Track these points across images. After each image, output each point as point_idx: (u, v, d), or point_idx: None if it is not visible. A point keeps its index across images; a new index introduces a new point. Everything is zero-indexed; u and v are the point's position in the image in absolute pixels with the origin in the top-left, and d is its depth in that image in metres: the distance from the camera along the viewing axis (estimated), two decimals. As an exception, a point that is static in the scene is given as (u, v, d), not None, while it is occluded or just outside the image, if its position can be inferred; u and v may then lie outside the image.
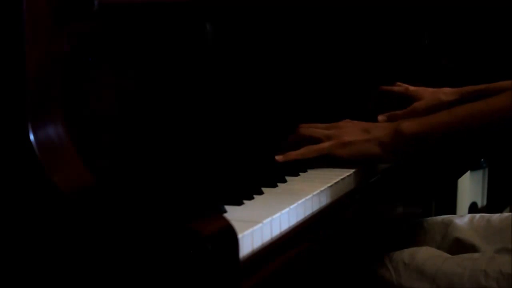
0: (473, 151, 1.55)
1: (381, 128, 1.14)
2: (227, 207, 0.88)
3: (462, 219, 1.37)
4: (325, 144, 1.13)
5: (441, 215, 1.44)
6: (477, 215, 1.38)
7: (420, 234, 1.38)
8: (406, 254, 1.22)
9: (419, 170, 1.30)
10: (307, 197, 0.95)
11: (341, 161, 1.12)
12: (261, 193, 0.96)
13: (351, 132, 1.14)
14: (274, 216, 0.86)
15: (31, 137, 0.80)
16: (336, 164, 1.13)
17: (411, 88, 1.45)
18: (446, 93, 1.41)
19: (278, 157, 1.13)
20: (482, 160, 2.64)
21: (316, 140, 1.15)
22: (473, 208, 2.70)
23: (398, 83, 1.51)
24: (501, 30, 2.01)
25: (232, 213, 0.87)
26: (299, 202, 0.93)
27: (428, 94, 1.42)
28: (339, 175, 1.06)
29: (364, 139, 1.12)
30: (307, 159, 1.14)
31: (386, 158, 1.12)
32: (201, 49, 1.18)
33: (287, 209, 0.89)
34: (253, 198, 0.94)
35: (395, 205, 1.26)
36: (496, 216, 1.37)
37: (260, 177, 1.03)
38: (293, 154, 1.14)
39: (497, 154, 2.54)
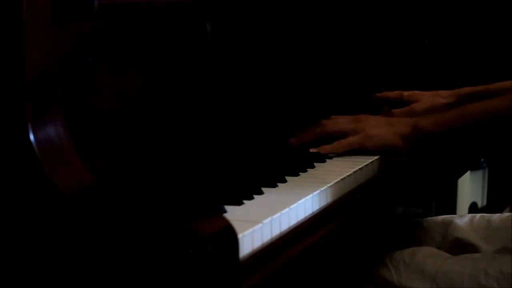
0: (474, 151, 1.55)
1: (402, 122, 1.22)
2: (227, 207, 0.88)
3: (462, 219, 1.37)
4: (355, 138, 1.21)
5: (441, 215, 1.44)
6: (478, 215, 1.38)
7: (420, 234, 1.38)
8: (406, 254, 1.22)
9: (419, 170, 1.30)
10: (307, 197, 0.95)
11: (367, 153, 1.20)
12: (261, 193, 0.96)
13: (376, 125, 1.22)
14: (274, 216, 0.86)
15: (31, 137, 0.80)
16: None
17: (406, 92, 1.46)
18: (443, 95, 1.42)
19: (312, 149, 1.20)
20: (482, 160, 2.64)
21: (343, 135, 1.22)
22: (473, 208, 2.70)
23: (386, 92, 1.51)
24: (501, 30, 2.01)
25: (232, 213, 0.87)
26: (299, 202, 0.93)
27: (424, 97, 1.43)
28: (340, 174, 1.06)
29: (389, 132, 1.20)
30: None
31: (406, 150, 1.21)
32: (201, 49, 1.18)
33: (287, 209, 0.89)
34: (253, 198, 0.94)
35: (395, 205, 1.26)
36: (496, 216, 1.37)
37: (260, 177, 1.03)
38: (327, 148, 1.20)
39: (497, 154, 2.53)
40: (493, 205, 2.76)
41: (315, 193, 0.97)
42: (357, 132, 1.21)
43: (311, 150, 1.19)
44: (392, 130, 1.20)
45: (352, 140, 1.20)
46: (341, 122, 1.24)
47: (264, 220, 0.84)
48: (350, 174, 1.08)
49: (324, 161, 1.17)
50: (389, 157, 1.22)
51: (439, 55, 1.90)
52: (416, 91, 1.46)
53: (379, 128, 1.21)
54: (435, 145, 1.22)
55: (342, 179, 1.05)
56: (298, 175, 1.08)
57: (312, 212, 0.96)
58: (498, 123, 1.18)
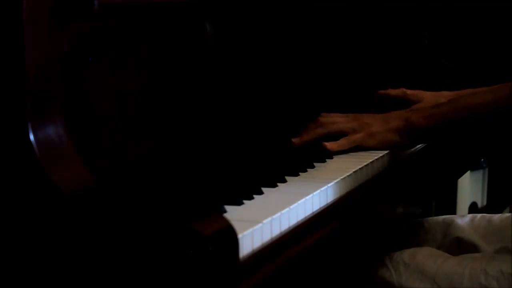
0: (472, 149, 1.55)
1: (396, 118, 1.24)
2: (227, 207, 0.88)
3: (463, 219, 1.37)
4: (357, 136, 1.23)
5: (441, 215, 1.44)
6: (478, 215, 1.38)
7: (420, 234, 1.38)
8: (406, 254, 1.22)
9: (419, 170, 1.30)
10: (307, 197, 0.94)
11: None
12: (261, 193, 0.96)
13: (374, 123, 1.24)
14: (274, 216, 0.86)
15: (31, 137, 0.80)
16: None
17: (409, 91, 1.46)
18: (445, 96, 1.42)
19: (328, 144, 1.21)
20: (482, 160, 2.64)
21: (344, 134, 1.23)
22: (473, 208, 2.70)
23: (390, 89, 1.51)
24: (501, 30, 2.01)
25: (232, 213, 0.86)
26: (299, 202, 0.92)
27: (427, 96, 1.43)
28: (340, 174, 1.06)
29: (385, 128, 1.23)
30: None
31: (405, 145, 1.25)
32: (201, 49, 1.18)
33: (287, 209, 0.89)
34: (253, 198, 0.94)
35: (395, 205, 1.26)
36: (497, 216, 1.37)
37: (260, 177, 1.03)
38: (337, 145, 1.22)
39: (497, 154, 2.53)
40: (493, 205, 2.76)
41: (315, 193, 0.97)
42: (357, 131, 1.23)
43: (327, 146, 1.20)
44: (389, 127, 1.23)
45: (356, 137, 1.22)
46: (340, 121, 1.25)
47: (264, 220, 0.84)
48: (350, 174, 1.08)
49: (324, 161, 1.17)
50: (390, 155, 1.22)
51: (439, 55, 1.90)
52: (419, 91, 1.46)
53: (377, 125, 1.23)
54: (430, 140, 1.26)
55: (342, 179, 1.05)
56: (298, 175, 1.08)
57: (312, 212, 0.96)
58: (490, 116, 1.19)
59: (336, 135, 1.23)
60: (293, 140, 1.24)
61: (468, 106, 1.20)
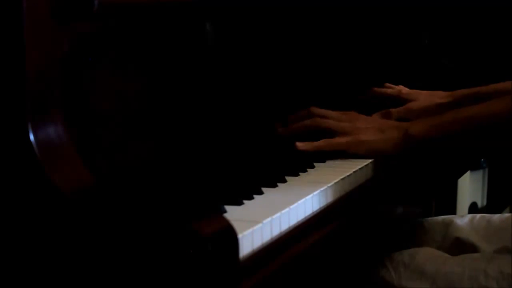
0: (473, 152, 1.55)
1: (393, 129, 1.19)
2: (227, 207, 0.88)
3: (462, 219, 1.37)
4: (343, 140, 1.18)
5: (441, 215, 1.44)
6: (478, 216, 1.38)
7: (420, 234, 1.38)
8: (406, 254, 1.22)
9: (419, 170, 1.30)
10: (307, 197, 0.94)
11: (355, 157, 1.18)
12: (261, 193, 0.96)
13: (366, 131, 1.19)
14: (274, 216, 0.86)
15: (31, 137, 0.80)
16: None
17: (404, 90, 1.46)
18: (440, 96, 1.42)
19: (299, 144, 1.17)
20: (482, 160, 2.64)
21: (333, 132, 1.19)
22: (473, 208, 2.70)
23: (387, 84, 1.51)
24: (501, 30, 2.01)
25: (232, 213, 0.86)
26: (299, 202, 0.92)
27: (422, 96, 1.43)
28: (340, 174, 1.06)
29: (379, 139, 1.18)
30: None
31: (398, 156, 1.19)
32: (201, 49, 1.18)
33: (287, 209, 0.89)
34: (253, 198, 0.94)
35: (395, 205, 1.26)
36: (496, 217, 1.37)
37: (260, 177, 1.03)
38: (312, 145, 1.17)
39: (497, 154, 2.54)
40: (493, 205, 2.76)
41: (315, 193, 0.97)
42: (347, 133, 1.19)
43: (298, 146, 1.17)
44: (383, 137, 1.18)
45: (341, 141, 1.18)
46: (332, 117, 1.22)
47: (264, 220, 0.84)
48: (350, 174, 1.08)
49: (324, 161, 1.17)
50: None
51: (439, 55, 1.90)
52: (414, 90, 1.46)
53: (370, 133, 1.19)
54: (428, 150, 1.20)
55: (342, 179, 1.05)
56: (298, 175, 1.08)
57: (312, 212, 0.96)
58: (496, 128, 1.15)
59: (325, 132, 1.20)
60: (279, 129, 1.21)
61: (474, 116, 1.15)
